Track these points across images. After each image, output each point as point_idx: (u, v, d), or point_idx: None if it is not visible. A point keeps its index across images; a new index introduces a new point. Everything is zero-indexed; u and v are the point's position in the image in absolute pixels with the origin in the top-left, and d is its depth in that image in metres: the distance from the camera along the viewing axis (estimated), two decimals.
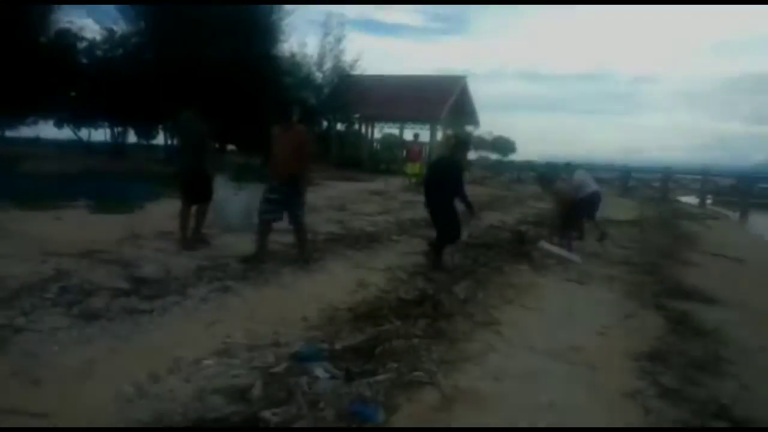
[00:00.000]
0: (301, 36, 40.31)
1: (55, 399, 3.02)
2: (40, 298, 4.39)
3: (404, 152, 27.28)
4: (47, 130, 35.46)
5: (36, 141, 38.06)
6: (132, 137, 36.67)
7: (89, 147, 32.25)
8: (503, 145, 66.92)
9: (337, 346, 4.13)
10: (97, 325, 4.02)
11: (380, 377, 3.58)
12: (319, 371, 3.64)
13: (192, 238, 6.69)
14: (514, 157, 60.03)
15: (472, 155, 50.40)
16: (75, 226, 6.66)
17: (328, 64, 31.14)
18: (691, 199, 28.54)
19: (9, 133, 36.13)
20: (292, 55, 29.91)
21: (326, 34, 30.79)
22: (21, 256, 5.56)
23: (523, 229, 10.10)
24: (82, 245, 6.16)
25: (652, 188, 28.52)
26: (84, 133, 36.14)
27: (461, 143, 8.11)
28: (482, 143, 60.91)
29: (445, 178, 7.04)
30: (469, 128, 41.19)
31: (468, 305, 5.46)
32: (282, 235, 7.66)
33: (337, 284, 5.90)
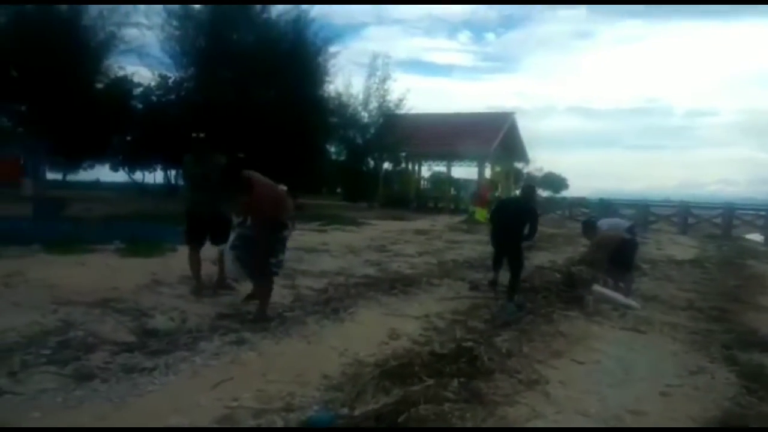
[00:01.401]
0: (346, 77, 40.57)
1: None
2: (34, 355, 4.04)
3: (472, 194, 26.94)
4: (106, 174, 36.63)
5: (96, 184, 39.42)
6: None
7: (143, 189, 33.10)
8: (554, 182, 65.96)
9: (357, 411, 3.62)
10: (90, 386, 3.63)
11: None
12: None
13: (216, 285, 6.33)
14: (566, 193, 59.00)
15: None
16: (97, 272, 6.40)
17: (373, 104, 31.23)
18: (756, 237, 26.93)
19: (69, 177, 37.60)
20: (338, 96, 30.14)
21: (372, 74, 30.92)
22: (30, 305, 5.27)
23: (575, 271, 9.41)
24: (98, 293, 5.86)
25: (714, 225, 27.04)
26: (139, 175, 37.46)
27: (531, 190, 8.75)
28: (532, 180, 60.08)
29: (522, 221, 7.75)
30: (518, 165, 40.61)
31: (511, 360, 4.86)
32: (311, 280, 7.28)
33: (366, 335, 5.41)
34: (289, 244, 10.54)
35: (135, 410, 3.42)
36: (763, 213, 28.01)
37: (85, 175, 38.03)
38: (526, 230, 7.82)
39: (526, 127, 72.81)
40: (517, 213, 7.91)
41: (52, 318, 4.95)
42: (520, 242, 7.81)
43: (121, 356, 4.21)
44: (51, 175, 32.25)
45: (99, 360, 4.10)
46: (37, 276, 6.01)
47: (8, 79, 21.93)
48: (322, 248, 11.11)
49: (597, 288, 7.97)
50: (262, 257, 5.39)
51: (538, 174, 61.67)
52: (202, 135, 6.23)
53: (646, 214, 28.32)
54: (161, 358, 4.21)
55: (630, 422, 3.87)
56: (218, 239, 6.32)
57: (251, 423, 3.40)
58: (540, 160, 60.38)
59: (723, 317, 7.36)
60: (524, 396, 4.14)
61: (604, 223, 9.06)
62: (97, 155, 32.33)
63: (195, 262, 6.27)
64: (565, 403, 4.10)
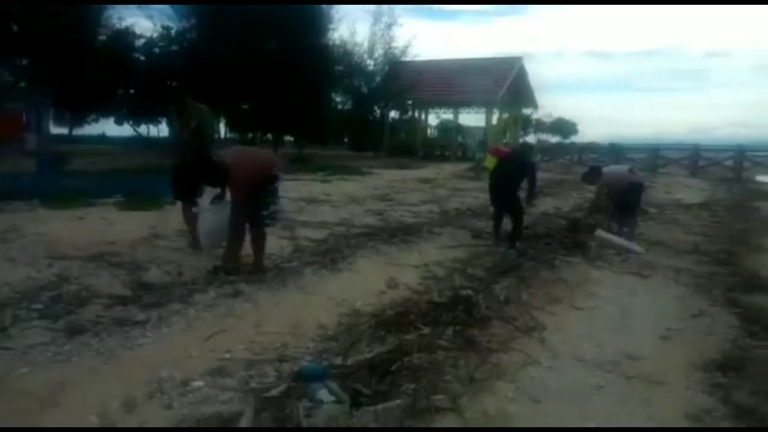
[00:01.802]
0: (351, 24, 39.79)
1: None
2: (26, 309, 4.03)
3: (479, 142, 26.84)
4: (112, 128, 36.53)
5: (102, 138, 39.32)
6: None
7: (149, 142, 33.00)
8: (564, 127, 65.23)
9: (350, 360, 3.61)
10: (80, 340, 3.62)
11: (391, 403, 3.03)
12: (323, 394, 3.12)
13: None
14: (575, 138, 58.39)
15: (531, 138, 49.34)
16: (95, 226, 6.38)
17: (379, 51, 30.67)
18: (767, 178, 26.60)
19: (75, 132, 37.49)
20: (343, 44, 29.58)
21: (377, 21, 30.25)
22: (25, 260, 5.27)
23: (579, 216, 9.32)
24: (95, 247, 5.84)
25: (724, 167, 26.68)
26: (144, 128, 37.33)
27: (529, 148, 9.63)
28: (541, 126, 59.43)
29: (519, 177, 7.86)
30: (527, 111, 40.02)
31: (508, 307, 4.83)
32: (311, 231, 7.24)
33: (364, 285, 5.38)
34: (292, 194, 10.63)
35: (125, 363, 3.42)
36: None
37: (90, 129, 37.94)
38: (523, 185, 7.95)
39: (535, 72, 71.59)
40: (515, 170, 7.88)
41: (46, 273, 4.94)
42: (517, 197, 7.77)
43: (114, 310, 4.20)
44: (57, 130, 32.18)
45: (91, 314, 4.08)
46: (35, 231, 5.99)
47: (9, 33, 21.63)
48: (325, 198, 11.06)
49: (600, 233, 7.89)
50: (241, 218, 5.30)
51: (548, 120, 60.99)
52: (176, 84, 6.04)
53: (656, 158, 28.00)
54: (154, 311, 4.19)
55: (626, 366, 3.84)
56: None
57: (243, 374, 3.40)
58: (550, 106, 59.66)
59: (728, 260, 7.28)
60: (520, 342, 4.12)
61: (607, 171, 8.92)
62: (101, 109, 32.14)
63: (189, 216, 6.11)
64: (561, 349, 4.07)
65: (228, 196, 5.37)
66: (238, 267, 5.34)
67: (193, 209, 5.74)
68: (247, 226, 5.37)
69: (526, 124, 47.81)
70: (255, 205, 5.25)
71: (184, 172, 5.83)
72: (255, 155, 5.69)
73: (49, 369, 3.23)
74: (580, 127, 66.46)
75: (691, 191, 17.76)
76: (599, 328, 4.66)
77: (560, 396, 3.34)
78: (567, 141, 54.40)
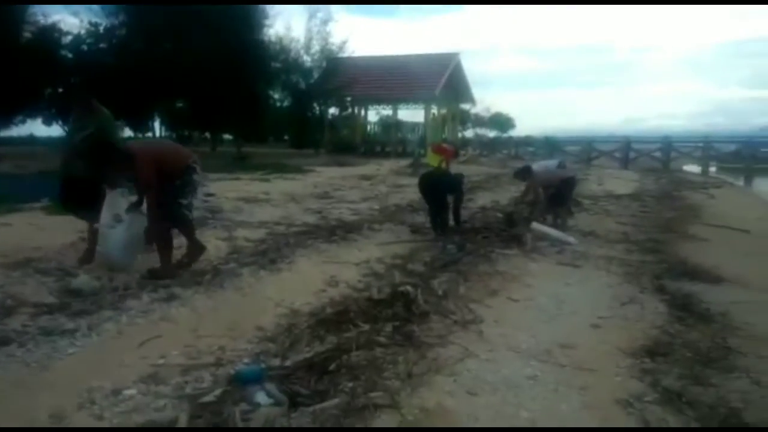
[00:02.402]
0: (286, 20, 39.34)
1: None
2: None
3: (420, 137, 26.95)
4: (40, 129, 35.03)
5: (30, 139, 37.51)
6: (128, 131, 36.50)
7: None
8: (502, 122, 66.38)
9: (289, 361, 3.58)
10: (6, 351, 3.46)
11: (329, 403, 3.03)
12: (261, 396, 3.09)
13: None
14: (513, 133, 59.58)
15: (469, 133, 50.01)
16: (21, 231, 6.09)
17: (315, 47, 30.51)
18: (694, 168, 27.86)
19: (2, 134, 35.73)
20: (279, 40, 29.29)
21: (312, 17, 30.05)
22: None
23: (515, 210, 9.53)
24: (21, 253, 5.58)
25: (654, 159, 27.78)
26: None
27: (461, 177, 8.97)
28: (480, 120, 60.32)
29: (445, 190, 8.25)
30: (465, 106, 40.56)
31: (447, 301, 4.88)
32: (249, 231, 7.15)
33: (303, 284, 5.34)
34: (230, 194, 10.45)
35: (53, 373, 3.29)
36: (700, 145, 28.95)
37: (18, 130, 36.20)
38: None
39: (472, 68, 72.62)
40: (444, 188, 8.33)
41: None
42: (443, 204, 8.19)
43: (42, 319, 4.03)
44: None
45: (17, 323, 3.91)
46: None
47: None
48: (263, 198, 10.90)
49: (536, 226, 8.08)
50: (157, 223, 5.07)
51: (486, 115, 61.92)
52: (78, 82, 5.59)
53: (589, 151, 28.91)
54: (84, 319, 4.04)
55: (559, 355, 3.94)
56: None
57: (178, 379, 3.33)
58: (487, 101, 60.52)
59: (656, 248, 7.57)
60: (458, 336, 4.16)
61: (539, 167, 9.15)
62: (28, 109, 30.75)
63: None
64: (497, 341, 4.15)
65: (144, 206, 5.12)
66: (175, 271, 5.20)
67: (95, 225, 5.30)
68: (170, 227, 5.21)
69: (465, 119, 48.45)
70: (169, 198, 5.06)
71: (74, 182, 5.45)
72: (163, 146, 5.54)
73: None
74: (517, 122, 67.81)
75: (622, 182, 18.40)
76: (534, 318, 4.76)
77: (496, 388, 3.40)
78: (504, 135, 55.42)
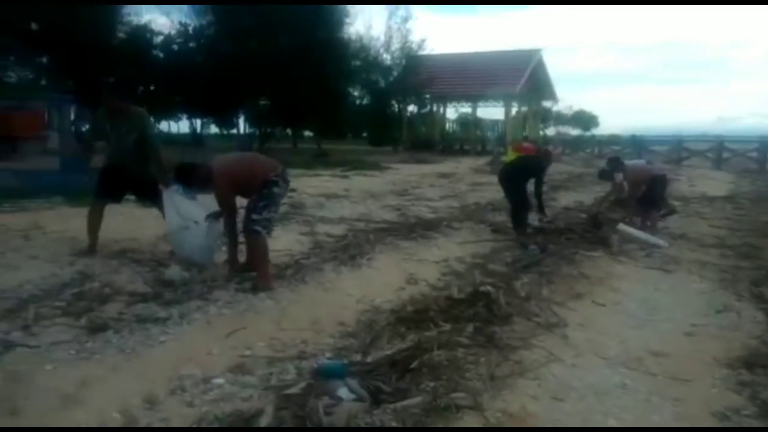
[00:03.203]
0: (367, 18, 39.86)
1: None
2: (49, 307, 4.06)
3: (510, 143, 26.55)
4: None
5: None
6: (213, 128, 37.99)
7: (169, 139, 33.31)
8: (585, 120, 64.70)
9: (370, 358, 3.59)
10: (103, 337, 3.64)
11: (411, 401, 3.01)
12: (343, 392, 3.11)
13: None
14: (597, 131, 57.90)
15: (551, 131, 48.96)
16: (117, 223, 6.39)
17: (395, 45, 30.62)
18: None
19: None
20: (359, 38, 29.60)
21: (392, 15, 30.19)
22: (48, 257, 5.31)
23: (601, 211, 9.22)
24: (117, 244, 5.87)
25: (750, 159, 26.21)
26: (165, 125, 37.76)
27: (547, 155, 8.92)
28: (562, 118, 58.96)
29: (531, 174, 7.91)
30: (547, 103, 39.71)
31: (529, 303, 4.77)
32: (329, 227, 7.24)
33: (383, 281, 5.36)
34: (310, 190, 10.64)
35: (146, 360, 3.43)
36: None
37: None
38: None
39: (555, 65, 70.94)
40: (526, 169, 8.07)
41: (69, 270, 4.97)
42: (520, 190, 7.85)
43: (136, 307, 4.21)
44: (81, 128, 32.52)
45: (113, 311, 4.11)
46: (57, 228, 6.05)
47: (29, 31, 21.92)
48: (343, 194, 11.05)
49: (623, 227, 7.79)
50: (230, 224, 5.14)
51: (568, 112, 60.48)
52: (111, 80, 5.70)
53: (679, 150, 27.61)
54: (175, 308, 4.20)
55: (651, 364, 3.78)
56: (143, 195, 5.96)
57: (264, 371, 3.40)
58: (570, 98, 59.10)
59: (753, 254, 7.15)
60: (542, 339, 4.07)
61: (628, 164, 8.82)
62: None
63: (96, 216, 5.65)
64: (583, 346, 4.02)
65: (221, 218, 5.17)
66: (239, 269, 5.18)
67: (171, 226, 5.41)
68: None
69: (546, 117, 47.43)
70: (247, 210, 5.02)
71: (118, 173, 5.62)
72: (243, 163, 5.31)
73: (72, 366, 3.25)
74: (601, 120, 65.80)
75: (715, 183, 17.49)
76: (622, 324, 4.60)
77: (584, 394, 3.29)
78: (588, 134, 53.88)
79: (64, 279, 4.72)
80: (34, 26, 22.19)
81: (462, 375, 3.36)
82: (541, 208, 8.02)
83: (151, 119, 5.93)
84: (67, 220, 6.57)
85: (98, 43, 22.94)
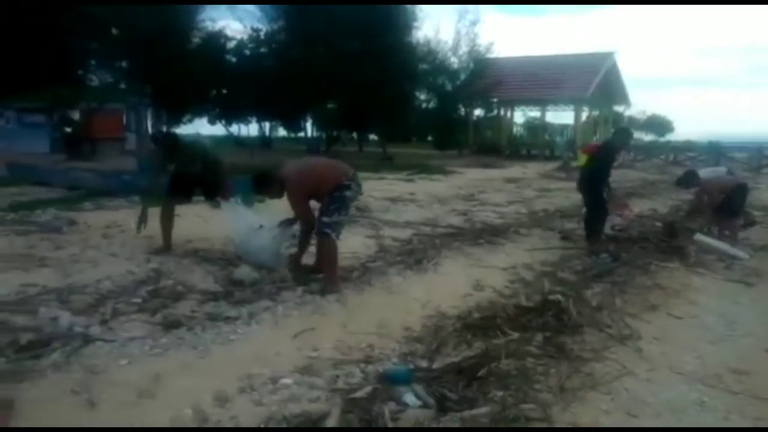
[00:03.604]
0: (435, 22, 39.75)
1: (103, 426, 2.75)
2: (126, 303, 4.23)
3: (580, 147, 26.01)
4: (204, 128, 38.25)
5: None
6: (282, 131, 38.86)
7: (239, 141, 34.23)
8: (659, 125, 62.52)
9: (436, 364, 3.56)
10: (176, 334, 3.76)
11: (479, 410, 2.96)
12: (409, 397, 3.09)
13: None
14: (671, 137, 55.87)
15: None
16: (191, 223, 6.61)
17: (463, 49, 30.41)
18: None
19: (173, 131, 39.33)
20: (427, 42, 29.58)
21: (461, 18, 30.02)
22: (126, 255, 5.54)
23: (677, 220, 8.86)
24: (190, 243, 6.08)
25: None
26: (235, 128, 38.84)
27: (626, 133, 8.27)
28: (634, 123, 57.17)
29: (609, 160, 7.49)
30: (618, 108, 38.55)
31: (601, 314, 4.63)
32: (395, 231, 7.24)
33: (449, 286, 5.30)
34: (376, 194, 10.68)
35: (217, 358, 3.51)
36: None
37: (185, 129, 39.75)
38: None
39: (628, 68, 69.03)
40: (602, 157, 7.53)
41: (145, 268, 5.18)
42: (599, 191, 7.36)
43: (207, 305, 4.34)
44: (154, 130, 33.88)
45: (186, 308, 4.24)
46: (135, 227, 6.28)
47: (109, 37, 22.98)
48: (409, 198, 11.05)
49: (700, 237, 7.46)
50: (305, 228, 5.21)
51: (641, 117, 58.63)
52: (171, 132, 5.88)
53: (759, 158, 26.26)
54: (245, 308, 4.29)
55: (730, 381, 3.60)
56: (212, 195, 6.08)
57: (330, 373, 3.42)
58: (643, 102, 57.35)
59: None
60: (614, 352, 3.93)
61: (706, 173, 8.44)
62: (196, 109, 33.68)
63: (168, 216, 5.91)
64: (658, 360, 3.87)
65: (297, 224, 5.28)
66: (302, 271, 5.26)
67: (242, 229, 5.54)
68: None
69: (618, 121, 46.12)
70: (319, 213, 5.07)
71: (188, 175, 5.89)
72: (316, 168, 5.35)
73: (147, 362, 3.37)
74: (675, 125, 63.43)
75: None
76: (700, 338, 4.39)
77: (659, 411, 3.17)
78: (662, 139, 52.05)
79: (140, 276, 4.92)
80: (114, 31, 23.24)
81: (531, 386, 3.28)
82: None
83: (209, 143, 6.21)
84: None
85: (175, 48, 23.86)
